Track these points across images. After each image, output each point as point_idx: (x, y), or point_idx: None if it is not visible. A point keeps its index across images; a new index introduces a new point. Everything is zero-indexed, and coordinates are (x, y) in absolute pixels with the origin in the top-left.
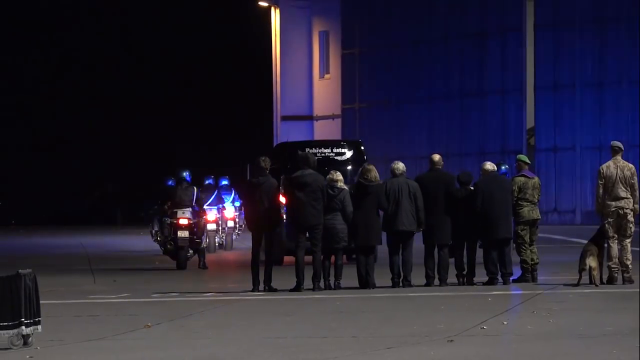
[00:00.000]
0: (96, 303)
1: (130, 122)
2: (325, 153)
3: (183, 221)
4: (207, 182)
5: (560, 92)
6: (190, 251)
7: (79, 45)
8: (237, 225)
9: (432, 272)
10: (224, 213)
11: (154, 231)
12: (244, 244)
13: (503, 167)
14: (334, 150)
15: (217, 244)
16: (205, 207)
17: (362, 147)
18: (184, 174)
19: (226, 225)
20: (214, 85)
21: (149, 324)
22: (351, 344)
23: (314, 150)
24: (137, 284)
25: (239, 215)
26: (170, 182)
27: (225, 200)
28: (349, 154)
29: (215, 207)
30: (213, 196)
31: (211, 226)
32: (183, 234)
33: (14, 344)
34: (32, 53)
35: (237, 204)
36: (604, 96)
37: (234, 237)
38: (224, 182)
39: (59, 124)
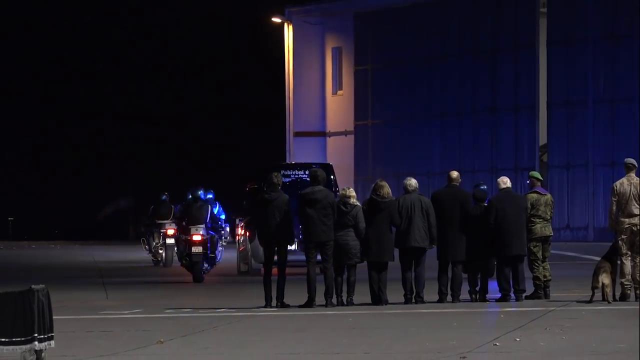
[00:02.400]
0: (109, 318)
1: (141, 137)
2: (298, 175)
3: (197, 237)
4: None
5: (573, 108)
6: (206, 265)
7: (92, 63)
8: (224, 238)
9: (445, 288)
10: None
11: (154, 244)
12: (229, 254)
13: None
14: (307, 173)
15: None
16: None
17: (332, 170)
18: (199, 192)
19: None
20: (226, 101)
21: (162, 339)
22: None
23: (289, 172)
24: (150, 300)
25: (224, 228)
26: (164, 197)
27: None
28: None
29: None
30: None
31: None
32: (197, 249)
33: None
34: (43, 67)
35: (223, 216)
36: (616, 113)
37: (220, 248)
38: (209, 196)
39: (71, 139)
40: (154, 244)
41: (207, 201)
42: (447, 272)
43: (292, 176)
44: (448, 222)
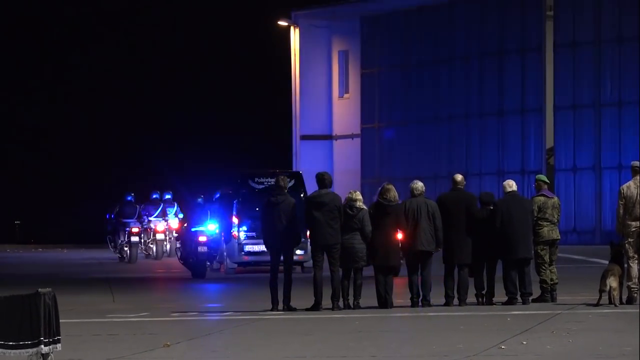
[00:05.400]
0: (115, 322)
1: (146, 140)
2: (271, 182)
3: (202, 238)
4: (153, 196)
5: (579, 111)
6: (208, 262)
7: (93, 66)
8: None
9: (452, 291)
10: (169, 224)
11: (119, 242)
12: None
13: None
14: None
15: (163, 252)
16: (152, 219)
17: (302, 178)
18: (200, 199)
19: (172, 235)
20: (232, 105)
21: (168, 343)
22: None
23: (262, 180)
24: (157, 303)
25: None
26: (129, 198)
27: (169, 213)
28: (290, 183)
29: (162, 219)
30: (159, 209)
31: (160, 236)
32: (202, 249)
33: None
34: (49, 74)
35: (181, 215)
36: (623, 116)
37: (177, 245)
38: (167, 197)
39: (77, 143)
40: (120, 241)
41: (165, 202)
42: (453, 275)
43: (265, 183)
44: (453, 225)
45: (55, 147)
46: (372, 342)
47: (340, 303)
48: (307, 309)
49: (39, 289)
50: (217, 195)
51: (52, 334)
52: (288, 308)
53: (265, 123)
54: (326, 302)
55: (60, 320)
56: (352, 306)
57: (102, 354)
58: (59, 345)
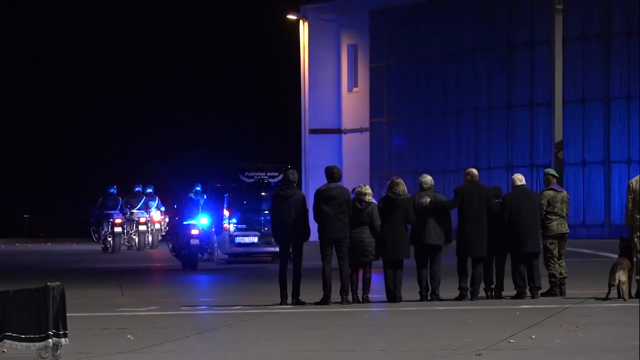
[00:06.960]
0: (124, 316)
1: (154, 135)
2: (260, 176)
3: (194, 231)
4: (136, 189)
5: (588, 105)
6: (200, 254)
7: (104, 64)
8: (162, 228)
9: (466, 284)
10: (152, 216)
11: (102, 232)
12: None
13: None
14: (268, 174)
15: (146, 243)
16: (134, 210)
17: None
18: (192, 194)
19: (154, 227)
20: (241, 99)
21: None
22: (379, 358)
23: (251, 174)
24: (166, 297)
25: (164, 218)
26: (112, 190)
27: (151, 206)
28: (279, 177)
29: (145, 211)
30: (142, 201)
31: (142, 227)
32: (195, 241)
33: (42, 357)
34: (49, 75)
35: (163, 208)
36: (632, 110)
37: (159, 237)
38: (149, 190)
39: (84, 138)
40: (103, 232)
41: (147, 195)
42: (466, 268)
43: (254, 177)
44: (470, 218)
45: (61, 143)
46: (381, 336)
47: (349, 297)
48: (316, 303)
49: (48, 283)
50: (197, 188)
51: (61, 327)
52: (297, 302)
53: (274, 117)
54: (335, 296)
55: (70, 314)
56: (361, 300)
57: (111, 348)
58: (66, 339)
